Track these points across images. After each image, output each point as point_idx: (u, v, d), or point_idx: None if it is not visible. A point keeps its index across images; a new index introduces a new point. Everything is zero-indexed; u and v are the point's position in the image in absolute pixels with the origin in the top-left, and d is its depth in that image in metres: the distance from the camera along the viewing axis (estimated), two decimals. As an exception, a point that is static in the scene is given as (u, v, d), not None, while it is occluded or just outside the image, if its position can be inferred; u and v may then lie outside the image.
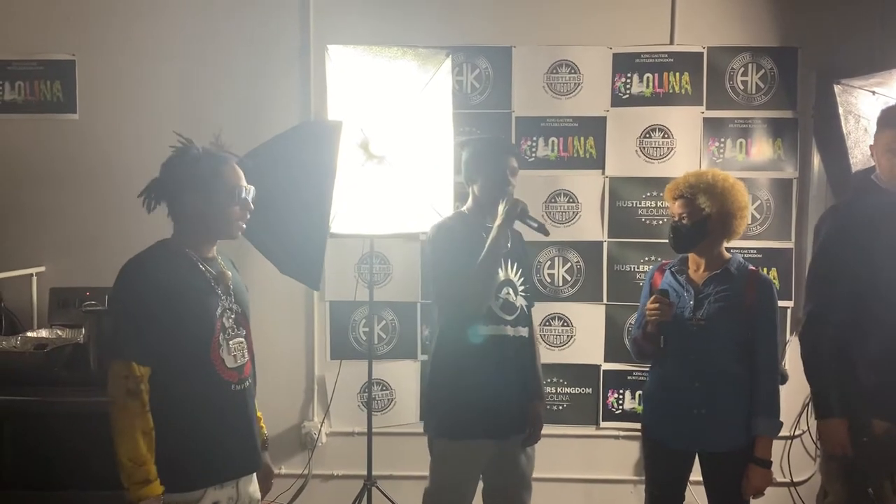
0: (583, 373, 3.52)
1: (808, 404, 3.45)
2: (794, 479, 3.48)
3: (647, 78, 3.45)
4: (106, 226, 3.44)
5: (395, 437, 3.49)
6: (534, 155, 3.46)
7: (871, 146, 2.43)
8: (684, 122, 3.44)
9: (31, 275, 3.39)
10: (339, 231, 2.88)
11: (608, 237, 3.49)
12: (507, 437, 2.47)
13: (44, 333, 3.07)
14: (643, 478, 3.16)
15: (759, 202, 3.41)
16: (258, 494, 2.09)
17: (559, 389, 3.48)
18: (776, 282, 3.31)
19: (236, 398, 1.95)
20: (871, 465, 2.30)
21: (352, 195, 2.89)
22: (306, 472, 3.51)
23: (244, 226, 1.97)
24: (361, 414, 3.42)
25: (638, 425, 3.38)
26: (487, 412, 2.40)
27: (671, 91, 3.45)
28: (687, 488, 2.51)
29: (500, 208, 2.37)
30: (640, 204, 3.47)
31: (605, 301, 3.50)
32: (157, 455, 1.79)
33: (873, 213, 2.31)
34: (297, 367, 3.54)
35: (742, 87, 3.44)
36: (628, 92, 3.46)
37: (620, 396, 3.53)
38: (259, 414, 2.10)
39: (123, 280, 1.84)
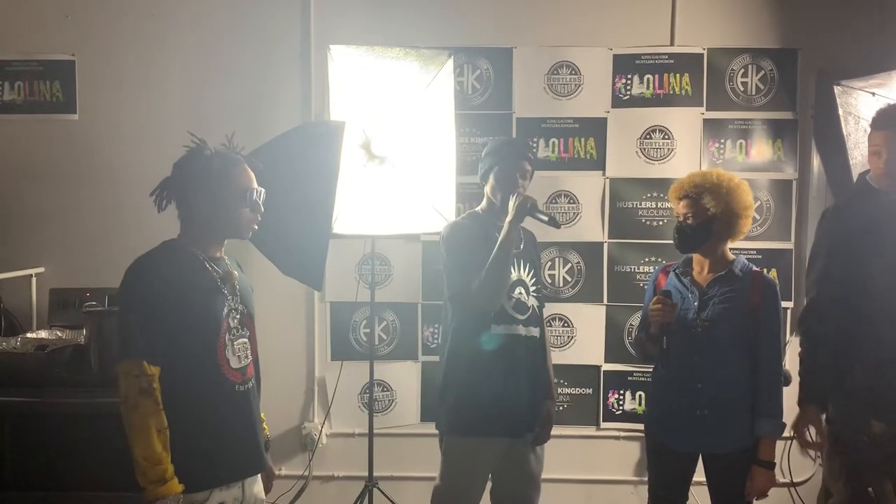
0: (583, 373, 3.53)
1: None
2: (794, 480, 3.49)
3: (648, 79, 3.46)
4: (105, 226, 3.44)
5: (396, 438, 3.50)
6: (534, 156, 3.47)
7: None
8: (684, 123, 3.45)
9: (31, 276, 3.38)
10: (341, 231, 2.87)
11: (609, 238, 3.49)
12: (518, 436, 2.50)
13: (44, 334, 3.06)
14: (644, 478, 3.17)
15: (758, 203, 3.41)
16: (263, 495, 2.09)
17: (560, 390, 3.47)
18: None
19: (240, 399, 1.95)
20: (871, 464, 2.31)
21: (353, 196, 2.89)
22: (307, 473, 3.51)
23: (255, 227, 1.97)
24: (362, 415, 3.42)
25: (638, 426, 3.41)
26: (498, 410, 2.42)
27: (671, 92, 3.45)
28: (690, 489, 2.51)
29: (511, 204, 2.39)
30: (641, 205, 3.47)
31: (605, 302, 3.50)
32: None
33: (868, 215, 2.33)
34: (298, 368, 3.53)
35: (742, 89, 3.45)
36: (629, 93, 3.47)
37: (621, 397, 3.53)
38: (262, 416, 2.10)
39: (131, 279, 1.84)
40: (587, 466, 3.54)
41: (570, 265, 3.50)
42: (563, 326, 3.50)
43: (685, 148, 3.45)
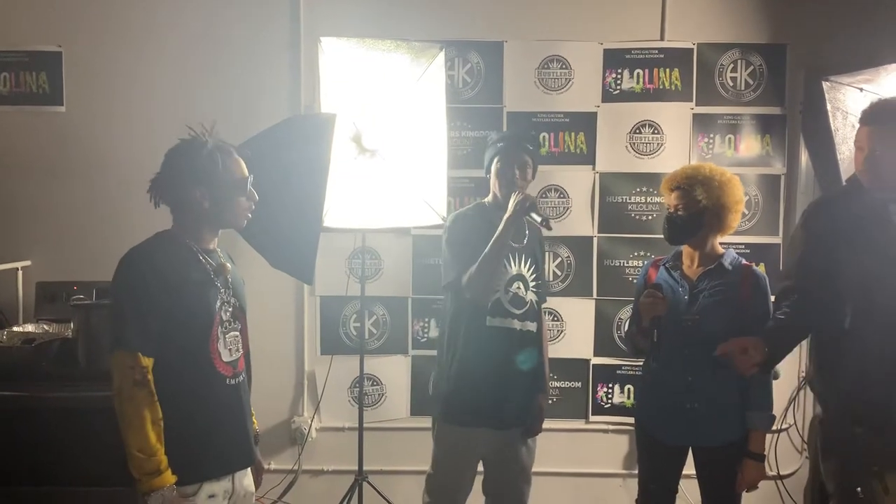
0: (572, 367, 3.54)
1: (794, 398, 3.50)
2: (781, 473, 3.51)
3: (638, 74, 3.47)
4: (92, 219, 3.41)
5: (386, 432, 3.49)
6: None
7: None
8: (674, 117, 3.46)
9: (17, 269, 3.35)
10: (331, 225, 2.86)
11: (598, 232, 3.50)
12: (509, 428, 2.52)
13: (30, 328, 3.04)
14: (633, 471, 3.19)
15: (747, 198, 3.40)
16: (252, 488, 2.09)
17: (549, 384, 3.48)
18: (764, 277, 3.34)
19: (231, 392, 1.95)
20: (857, 464, 2.29)
21: (343, 189, 2.87)
22: (296, 467, 3.50)
23: (250, 216, 1.98)
24: (352, 409, 3.42)
25: (627, 419, 3.42)
26: (489, 402, 2.45)
27: (661, 87, 3.46)
28: (680, 482, 2.53)
29: (511, 202, 2.40)
30: (630, 199, 3.48)
31: (594, 296, 3.51)
32: None
33: (851, 213, 2.32)
34: (287, 362, 3.52)
35: (731, 84, 3.46)
36: (619, 87, 3.47)
37: (610, 390, 3.54)
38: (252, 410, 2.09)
39: (125, 270, 1.82)
40: (576, 460, 3.55)
41: (559, 259, 3.51)
42: (553, 320, 3.50)
43: (674, 143, 3.46)
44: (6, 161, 3.43)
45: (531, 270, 2.58)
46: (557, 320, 3.52)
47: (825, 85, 3.16)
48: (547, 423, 2.69)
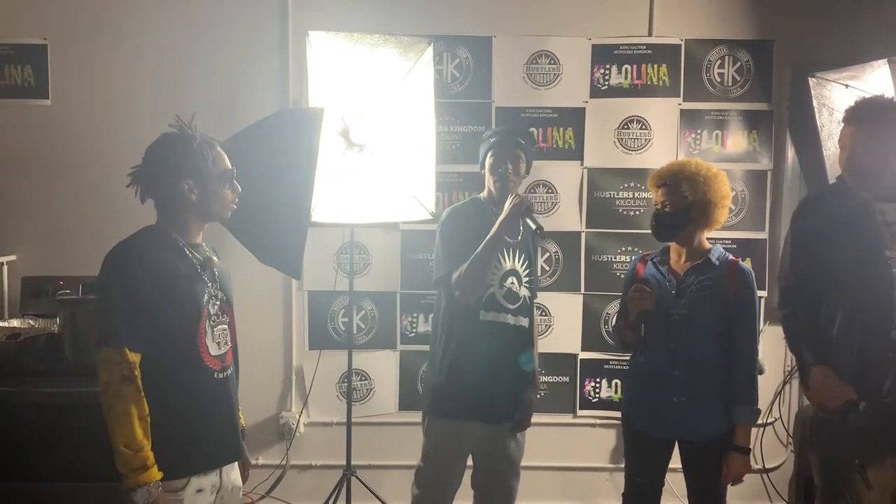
0: (560, 362, 3.55)
1: (779, 392, 3.53)
2: (767, 466, 3.55)
3: (626, 69, 3.48)
4: (78, 214, 3.38)
5: (374, 427, 3.50)
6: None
7: None
8: (662, 113, 3.48)
9: (2, 263, 3.32)
10: (319, 220, 2.86)
11: (586, 227, 3.51)
12: (499, 422, 2.53)
13: (16, 323, 3.01)
14: (620, 465, 3.20)
15: (734, 193, 3.43)
16: (240, 482, 2.09)
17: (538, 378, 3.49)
18: (750, 272, 3.37)
19: (219, 386, 1.94)
20: (844, 456, 2.31)
21: (332, 184, 2.87)
22: (284, 462, 3.50)
23: (234, 206, 1.98)
24: (340, 404, 3.42)
25: (615, 413, 3.44)
26: (479, 396, 2.46)
27: (649, 83, 3.47)
28: (666, 476, 2.54)
29: (507, 204, 2.41)
30: (618, 195, 3.50)
31: (582, 291, 3.53)
32: None
33: (834, 212, 2.34)
34: (276, 357, 3.51)
35: (719, 80, 3.48)
36: (607, 83, 3.48)
37: (597, 385, 3.56)
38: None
39: (111, 265, 1.81)
40: (564, 454, 3.57)
41: (547, 254, 3.52)
42: (541, 315, 3.51)
43: (662, 138, 3.47)
44: (-9, 155, 3.40)
45: (524, 266, 2.59)
46: (545, 315, 3.53)
47: (811, 81, 3.19)
48: (535, 418, 2.70)
